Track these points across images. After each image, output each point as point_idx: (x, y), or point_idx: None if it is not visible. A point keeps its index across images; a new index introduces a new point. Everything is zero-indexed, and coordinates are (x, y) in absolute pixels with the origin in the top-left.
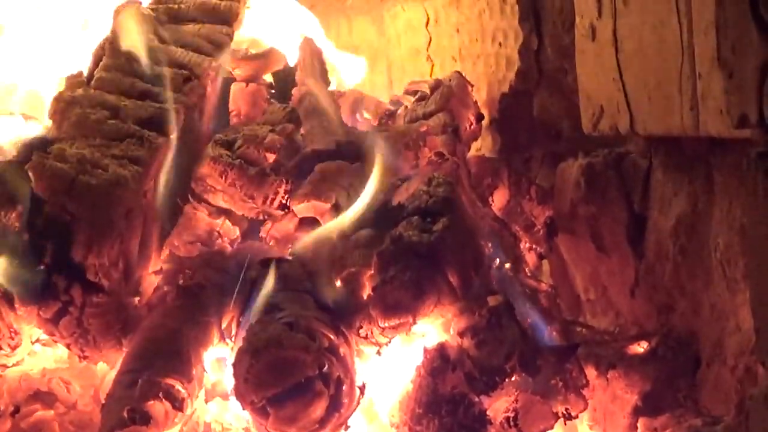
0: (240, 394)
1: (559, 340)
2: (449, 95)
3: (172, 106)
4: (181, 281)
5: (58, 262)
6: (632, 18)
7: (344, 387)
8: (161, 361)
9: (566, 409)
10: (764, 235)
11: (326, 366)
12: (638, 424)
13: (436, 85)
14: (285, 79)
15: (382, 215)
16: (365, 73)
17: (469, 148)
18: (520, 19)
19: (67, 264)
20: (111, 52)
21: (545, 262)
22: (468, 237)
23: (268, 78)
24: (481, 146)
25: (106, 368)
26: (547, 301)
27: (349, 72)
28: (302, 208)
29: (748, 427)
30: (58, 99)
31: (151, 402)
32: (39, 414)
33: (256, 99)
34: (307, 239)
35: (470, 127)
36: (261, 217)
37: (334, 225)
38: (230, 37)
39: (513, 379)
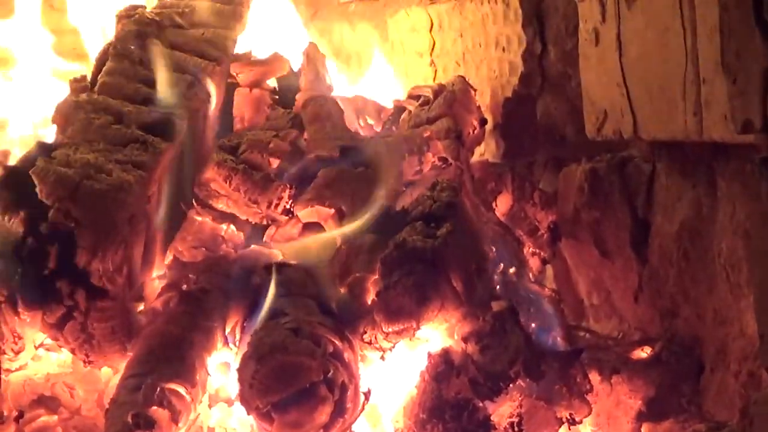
0: (245, 399)
1: (563, 345)
2: (452, 100)
3: (176, 111)
4: (184, 286)
5: (62, 266)
6: (636, 23)
7: (349, 392)
8: (165, 366)
9: (570, 415)
10: None
11: (331, 371)
12: (642, 429)
13: (439, 90)
14: (288, 85)
15: (386, 220)
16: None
17: (473, 153)
18: (523, 24)
19: (72, 269)
20: (114, 56)
21: (549, 267)
22: (472, 242)
23: (272, 83)
24: (485, 151)
25: (110, 373)
26: (551, 305)
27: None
28: (306, 214)
29: None
30: (62, 104)
31: (155, 407)
32: (43, 419)
33: (260, 104)
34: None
35: (473, 132)
36: (265, 222)
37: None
38: (234, 41)
39: (517, 384)
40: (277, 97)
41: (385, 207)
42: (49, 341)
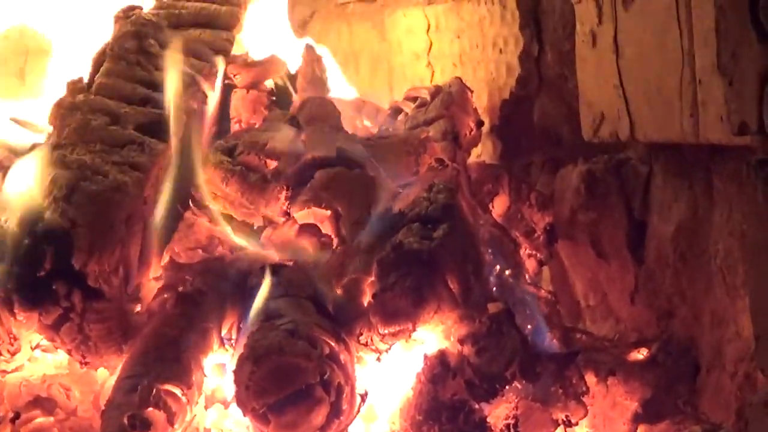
0: (241, 400)
1: (559, 346)
2: (449, 101)
3: (173, 112)
4: (181, 288)
5: (58, 268)
6: (633, 24)
7: (345, 394)
8: (161, 368)
9: (566, 416)
10: (764, 242)
11: (327, 373)
12: (638, 431)
13: (437, 92)
14: (286, 86)
15: (383, 222)
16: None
17: (469, 155)
18: (520, 25)
19: (68, 270)
20: (111, 57)
21: (545, 269)
22: (468, 244)
23: (269, 84)
24: (482, 152)
25: (106, 374)
26: (547, 307)
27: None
28: (303, 215)
29: None
30: (59, 105)
31: (151, 408)
32: (39, 420)
33: (257, 106)
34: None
35: (470, 133)
36: (262, 224)
37: None
38: (231, 42)
39: (513, 386)
40: (274, 98)
41: (382, 209)
42: (45, 342)
